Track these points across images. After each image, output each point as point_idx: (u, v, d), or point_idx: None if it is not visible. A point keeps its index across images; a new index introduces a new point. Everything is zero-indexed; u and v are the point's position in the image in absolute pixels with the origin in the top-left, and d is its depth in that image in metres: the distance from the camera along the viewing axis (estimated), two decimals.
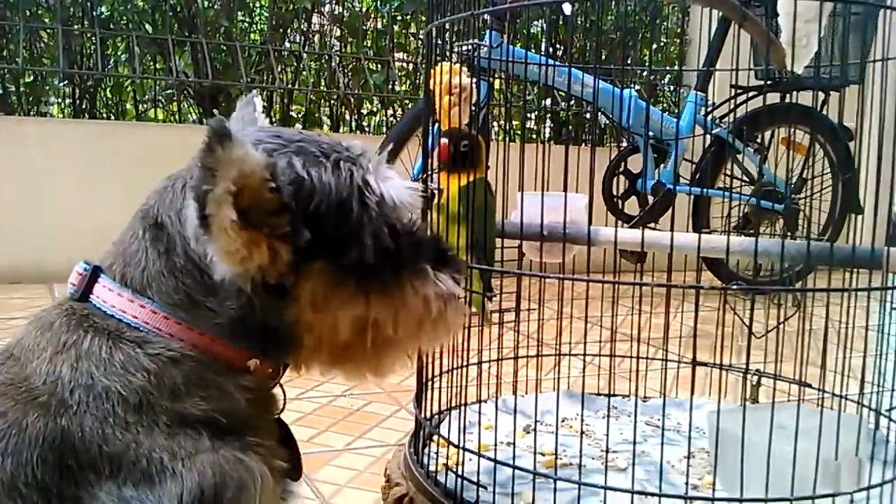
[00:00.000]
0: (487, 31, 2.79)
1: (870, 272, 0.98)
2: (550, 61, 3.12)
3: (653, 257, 1.61)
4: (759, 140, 3.52)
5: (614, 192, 3.38)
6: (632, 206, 3.39)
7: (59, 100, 4.10)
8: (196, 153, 0.63)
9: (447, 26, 0.98)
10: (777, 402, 0.84)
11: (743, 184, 3.46)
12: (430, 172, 1.11)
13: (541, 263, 1.07)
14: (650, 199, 3.33)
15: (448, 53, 1.06)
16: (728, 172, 3.45)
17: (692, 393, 1.02)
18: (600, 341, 1.27)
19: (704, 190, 3.30)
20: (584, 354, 1.27)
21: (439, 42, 1.03)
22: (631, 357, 1.29)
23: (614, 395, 1.33)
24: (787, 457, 0.78)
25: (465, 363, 1.15)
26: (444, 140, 1.03)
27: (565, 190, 1.06)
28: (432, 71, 1.06)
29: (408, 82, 4.51)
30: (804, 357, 1.08)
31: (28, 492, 0.63)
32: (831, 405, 1.04)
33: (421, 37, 4.30)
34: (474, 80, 2.64)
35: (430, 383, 1.12)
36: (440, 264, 0.78)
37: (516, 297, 1.10)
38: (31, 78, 3.89)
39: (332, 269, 0.71)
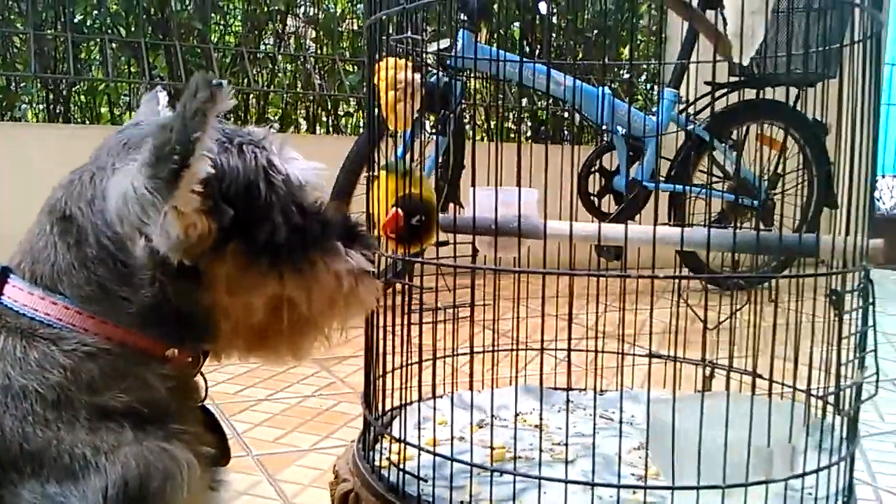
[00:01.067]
0: (460, 30, 2.80)
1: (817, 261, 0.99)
2: (528, 63, 3.12)
3: (634, 252, 1.61)
4: (733, 136, 3.53)
5: (590, 190, 3.38)
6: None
7: (33, 104, 4.08)
8: (186, 100, 0.65)
9: (386, 19, 0.98)
10: (719, 392, 0.84)
11: (718, 180, 3.48)
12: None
13: (495, 258, 1.07)
14: (626, 196, 3.34)
15: (393, 47, 1.06)
16: (703, 169, 3.46)
17: (648, 385, 1.03)
18: (556, 337, 1.26)
19: (680, 187, 3.31)
20: (542, 349, 1.26)
21: (381, 37, 1.02)
22: (587, 351, 1.30)
23: (571, 390, 1.33)
24: (720, 444, 0.79)
25: (419, 359, 1.15)
26: (400, 212, 1.01)
27: (519, 184, 1.06)
28: (376, 66, 1.06)
29: None
30: (757, 349, 1.08)
31: None
32: (781, 395, 1.04)
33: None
34: (445, 79, 2.65)
35: (379, 381, 1.11)
36: (350, 241, 0.80)
37: (470, 291, 1.10)
38: (4, 83, 3.86)
39: (244, 249, 0.72)
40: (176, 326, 0.73)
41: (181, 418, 0.73)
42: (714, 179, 3.46)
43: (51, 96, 3.98)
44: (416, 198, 1.02)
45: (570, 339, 1.07)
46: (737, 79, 3.30)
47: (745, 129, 3.43)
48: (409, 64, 1.06)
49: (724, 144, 3.41)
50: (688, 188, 3.29)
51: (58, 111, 3.98)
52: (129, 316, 0.71)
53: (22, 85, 3.94)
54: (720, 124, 3.40)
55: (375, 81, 1.06)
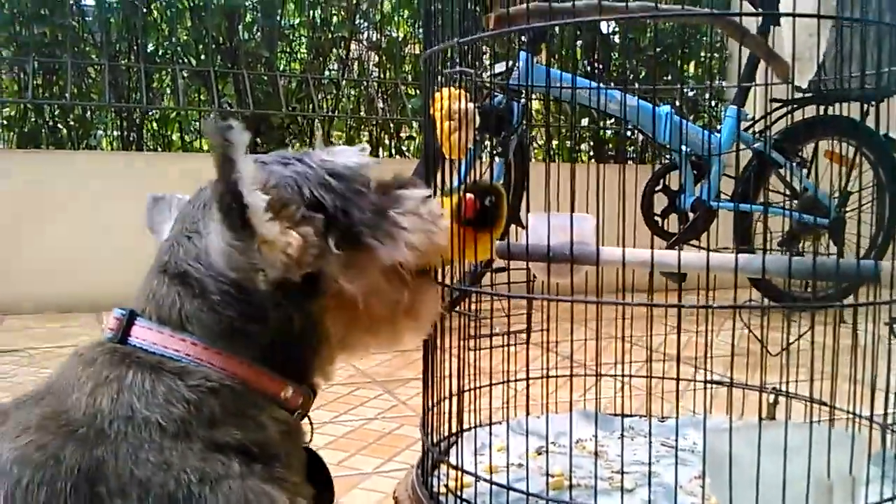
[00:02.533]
0: (520, 52, 2.81)
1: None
2: (583, 81, 3.11)
3: (697, 277, 1.60)
4: (801, 154, 3.46)
5: (654, 210, 3.35)
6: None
7: (108, 132, 4.23)
8: (213, 151, 0.69)
9: (441, 52, 1.00)
10: (779, 421, 0.83)
11: (786, 199, 3.40)
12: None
13: (548, 285, 1.07)
14: (690, 216, 3.29)
15: (449, 78, 1.07)
16: (770, 187, 3.40)
17: (705, 411, 1.01)
18: (615, 361, 1.26)
19: (745, 206, 3.25)
20: (597, 374, 1.26)
21: (437, 69, 1.04)
22: (647, 377, 1.29)
23: (629, 416, 1.32)
24: (779, 475, 0.77)
25: (477, 385, 1.16)
26: (470, 196, 1.04)
27: (571, 207, 1.06)
28: (434, 97, 1.07)
29: None
30: (819, 374, 1.06)
31: None
32: (847, 423, 1.02)
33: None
34: (505, 102, 2.67)
35: (435, 408, 1.12)
36: (403, 186, 0.87)
37: (526, 317, 1.10)
38: (80, 112, 4.02)
39: (345, 237, 0.78)
40: (294, 357, 0.79)
41: (287, 464, 0.76)
42: (782, 198, 3.39)
43: (124, 124, 4.12)
44: (486, 185, 1.03)
45: (622, 363, 1.06)
46: (804, 95, 3.24)
47: (813, 146, 3.36)
48: (465, 94, 1.07)
49: (791, 162, 3.34)
50: (754, 207, 3.24)
51: (131, 139, 4.12)
52: (254, 350, 0.76)
53: (97, 114, 4.09)
54: (788, 142, 3.34)
55: (432, 112, 1.08)
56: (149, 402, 0.70)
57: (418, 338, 0.91)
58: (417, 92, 4.37)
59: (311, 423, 0.84)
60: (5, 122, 3.98)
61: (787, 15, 0.91)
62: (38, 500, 0.64)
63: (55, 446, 0.67)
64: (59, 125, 4.00)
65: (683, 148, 3.21)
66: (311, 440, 0.84)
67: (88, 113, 4.05)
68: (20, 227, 3.43)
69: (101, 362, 0.73)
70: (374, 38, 4.47)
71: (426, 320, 0.88)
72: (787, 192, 3.39)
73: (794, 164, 3.35)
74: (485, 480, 0.99)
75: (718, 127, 3.59)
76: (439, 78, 1.06)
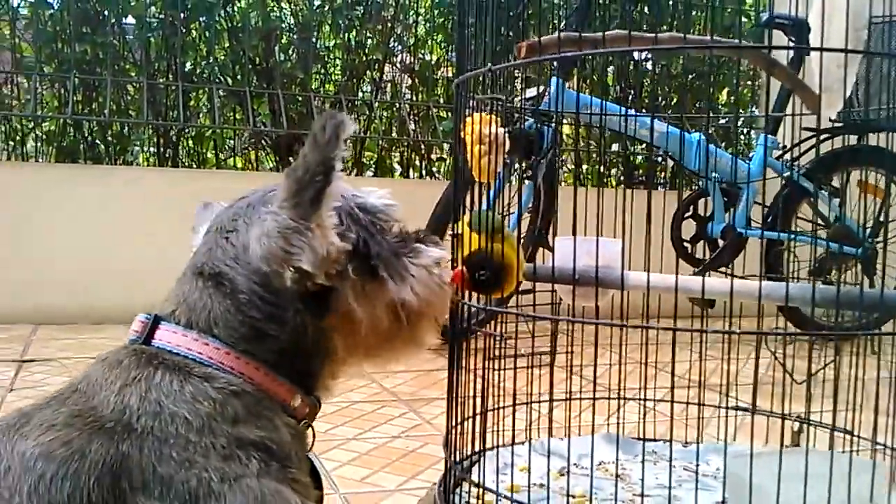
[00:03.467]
0: (551, 78, 2.84)
1: None
2: (613, 107, 3.13)
3: (723, 304, 1.60)
4: (833, 183, 3.45)
5: (683, 237, 3.34)
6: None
7: (144, 149, 4.31)
8: (317, 130, 0.78)
9: (473, 78, 1.02)
10: (800, 448, 0.83)
11: (818, 228, 3.38)
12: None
13: (573, 308, 1.08)
14: (720, 243, 3.29)
15: (480, 104, 1.10)
16: (802, 216, 3.38)
17: (726, 437, 1.02)
18: (640, 386, 1.26)
19: (776, 234, 3.24)
20: (620, 398, 1.27)
21: (468, 94, 1.06)
22: (671, 401, 1.29)
23: (652, 440, 1.32)
24: (801, 502, 0.78)
25: (500, 405, 1.17)
26: (458, 270, 1.08)
27: (598, 231, 1.08)
28: (465, 122, 1.10)
29: None
30: (844, 404, 1.06)
31: None
32: (871, 452, 1.02)
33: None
34: (536, 126, 2.69)
35: (459, 427, 1.14)
36: (422, 241, 0.93)
37: (551, 339, 1.12)
38: (118, 128, 4.10)
39: (363, 267, 0.85)
40: (304, 366, 0.84)
41: (299, 466, 0.80)
42: (813, 227, 3.37)
43: (161, 141, 4.20)
44: (486, 254, 1.05)
45: (645, 388, 1.07)
46: (835, 125, 3.23)
47: (846, 175, 3.34)
48: (495, 119, 1.10)
49: (823, 191, 3.33)
50: (783, 235, 3.22)
51: (167, 155, 4.20)
52: (272, 355, 0.81)
53: (135, 131, 4.17)
54: (820, 170, 3.33)
55: (463, 136, 1.10)
56: (177, 400, 0.73)
57: (412, 358, 0.97)
58: (448, 114, 4.41)
59: (314, 433, 0.89)
60: (45, 137, 4.07)
61: (816, 49, 0.92)
62: (62, 494, 0.66)
63: (81, 442, 0.69)
64: (98, 141, 4.08)
65: (714, 175, 3.21)
66: (312, 448, 0.89)
67: (126, 129, 4.14)
68: (56, 240, 3.50)
69: (127, 363, 0.76)
70: (408, 62, 4.52)
71: (420, 348, 0.94)
72: (819, 222, 3.37)
73: (826, 193, 3.33)
74: (506, 499, 1.00)
75: (750, 154, 3.59)
76: (471, 103, 1.08)
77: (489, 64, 0.98)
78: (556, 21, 2.42)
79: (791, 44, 2.90)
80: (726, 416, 1.06)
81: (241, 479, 0.71)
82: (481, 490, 1.05)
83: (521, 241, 1.37)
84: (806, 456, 0.77)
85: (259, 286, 0.80)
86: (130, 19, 4.07)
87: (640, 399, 1.34)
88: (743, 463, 0.88)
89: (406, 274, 0.87)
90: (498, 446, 1.13)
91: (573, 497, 1.09)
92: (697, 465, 0.99)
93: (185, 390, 0.74)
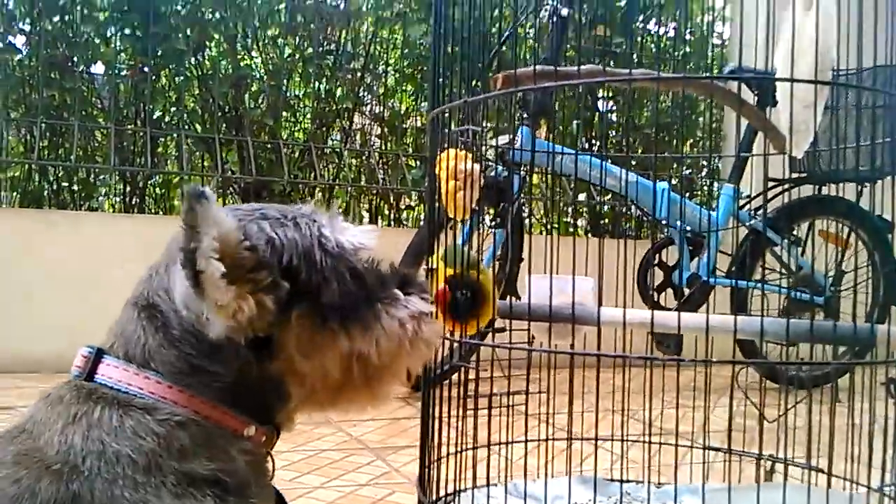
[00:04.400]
0: (519, 127, 2.88)
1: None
2: (584, 156, 3.18)
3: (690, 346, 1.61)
4: (795, 233, 3.51)
5: (650, 285, 3.37)
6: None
7: (110, 195, 4.27)
8: (181, 216, 0.71)
9: (449, 112, 1.03)
10: (775, 483, 0.83)
11: (781, 276, 3.43)
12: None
13: (549, 343, 1.08)
14: (686, 291, 3.32)
15: (455, 139, 1.10)
16: (764, 265, 3.43)
17: (703, 478, 1.01)
18: (612, 426, 1.26)
19: (742, 282, 3.28)
20: (595, 439, 1.26)
21: (443, 129, 1.07)
22: (643, 442, 1.29)
23: (627, 482, 1.31)
24: None
25: (473, 445, 1.16)
26: (442, 287, 1.06)
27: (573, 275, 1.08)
28: (438, 157, 1.10)
29: None
30: (816, 443, 1.06)
31: None
32: (844, 488, 1.02)
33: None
34: (505, 173, 2.71)
35: (432, 466, 1.12)
36: (407, 287, 0.86)
37: (525, 378, 1.11)
38: (85, 174, 4.06)
39: (310, 314, 0.78)
40: (255, 401, 0.79)
41: (259, 495, 0.77)
42: (777, 275, 3.42)
43: (127, 188, 4.16)
44: (467, 278, 1.05)
45: (622, 429, 1.07)
46: (799, 175, 3.30)
47: (807, 224, 3.41)
48: (469, 155, 1.10)
49: (786, 240, 3.38)
50: (749, 284, 3.26)
51: (133, 202, 4.16)
52: (216, 391, 0.77)
53: (101, 177, 4.14)
54: (782, 220, 3.39)
55: (437, 171, 1.11)
56: (118, 437, 0.71)
57: (380, 406, 0.90)
58: (417, 163, 4.43)
59: (273, 462, 0.85)
60: (10, 182, 4.02)
61: (785, 80, 0.94)
62: None
63: (30, 481, 0.68)
64: (63, 186, 4.04)
65: (680, 224, 3.25)
66: (272, 477, 0.85)
67: (93, 175, 4.10)
68: (18, 286, 3.43)
69: (68, 400, 0.75)
70: (377, 111, 4.56)
71: (381, 403, 0.88)
72: (783, 270, 3.42)
73: (789, 242, 3.39)
74: None
75: (714, 204, 3.64)
76: (447, 135, 1.09)
77: (465, 97, 0.99)
78: (531, 55, 2.46)
79: (753, 95, 2.97)
80: (704, 458, 1.06)
81: None
82: None
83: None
84: (784, 490, 0.77)
85: (189, 324, 0.77)
86: (100, 66, 4.07)
87: (614, 439, 1.33)
88: (720, 499, 0.88)
89: (374, 325, 0.81)
90: (473, 488, 1.12)
91: None
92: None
93: (125, 426, 0.72)
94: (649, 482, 1.29)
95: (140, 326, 0.78)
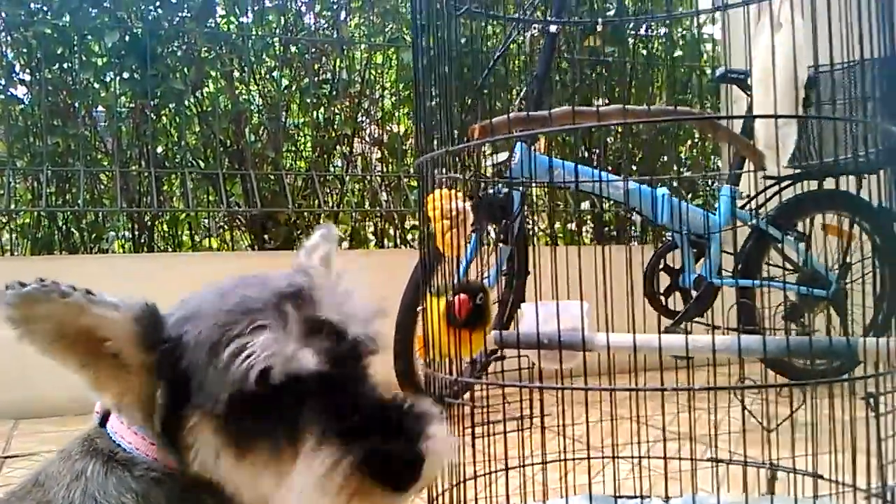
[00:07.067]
0: (516, 143, 2.91)
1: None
2: (584, 169, 3.21)
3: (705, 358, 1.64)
4: (798, 228, 3.52)
5: (656, 290, 3.39)
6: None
7: (119, 236, 4.34)
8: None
9: (436, 158, 1.08)
10: (783, 496, 0.86)
11: (787, 272, 3.45)
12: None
13: (539, 373, 1.12)
14: (693, 294, 3.34)
15: (442, 181, 1.15)
16: (771, 262, 3.45)
17: (716, 488, 1.04)
18: (616, 443, 1.28)
19: (747, 281, 3.30)
20: (603, 457, 1.29)
21: (429, 174, 1.11)
22: (643, 457, 1.32)
23: (644, 497, 1.35)
24: None
25: (486, 471, 1.19)
26: (464, 296, 1.09)
27: (570, 289, 1.12)
28: (428, 198, 1.15)
29: None
30: (810, 448, 1.09)
31: None
32: (837, 494, 1.05)
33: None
34: (505, 192, 2.75)
35: (446, 493, 1.16)
36: (419, 424, 0.71)
37: (539, 403, 1.15)
38: (93, 217, 4.13)
39: (209, 424, 0.73)
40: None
41: None
42: (783, 272, 3.43)
43: (136, 227, 4.23)
44: (476, 286, 1.08)
45: (632, 444, 1.09)
46: (795, 171, 3.32)
47: (810, 219, 3.42)
48: (458, 194, 1.14)
49: (789, 236, 3.40)
50: (755, 283, 3.28)
51: (142, 241, 4.22)
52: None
53: (109, 219, 4.21)
54: (784, 216, 3.41)
55: (428, 212, 1.15)
56: (106, 493, 0.75)
57: None
58: (417, 192, 4.47)
59: None
60: (20, 230, 4.09)
61: (763, 116, 0.98)
62: None
63: None
64: (73, 231, 4.10)
65: (682, 228, 3.28)
66: None
67: (101, 218, 4.16)
68: None
69: (74, 455, 0.80)
70: (376, 134, 4.61)
71: None
72: (788, 266, 3.44)
73: (792, 238, 3.41)
74: None
75: (715, 205, 3.67)
76: (434, 179, 1.13)
77: (445, 147, 1.03)
78: (517, 88, 2.50)
79: (746, 96, 3.00)
80: (713, 468, 1.09)
81: None
82: None
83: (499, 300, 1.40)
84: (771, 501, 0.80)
85: None
86: (101, 109, 4.14)
87: (625, 457, 1.36)
88: None
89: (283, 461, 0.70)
90: None
91: None
92: None
93: (109, 482, 0.76)
94: (644, 496, 1.32)
95: None
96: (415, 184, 4.44)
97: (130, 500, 0.75)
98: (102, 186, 4.18)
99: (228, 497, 0.76)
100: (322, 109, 4.44)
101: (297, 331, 0.71)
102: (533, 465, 1.32)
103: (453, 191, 1.16)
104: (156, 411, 0.75)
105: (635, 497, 1.39)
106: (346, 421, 0.68)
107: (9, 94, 3.94)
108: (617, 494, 1.32)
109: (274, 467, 0.70)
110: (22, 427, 3.19)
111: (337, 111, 4.50)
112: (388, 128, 4.60)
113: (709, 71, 4.82)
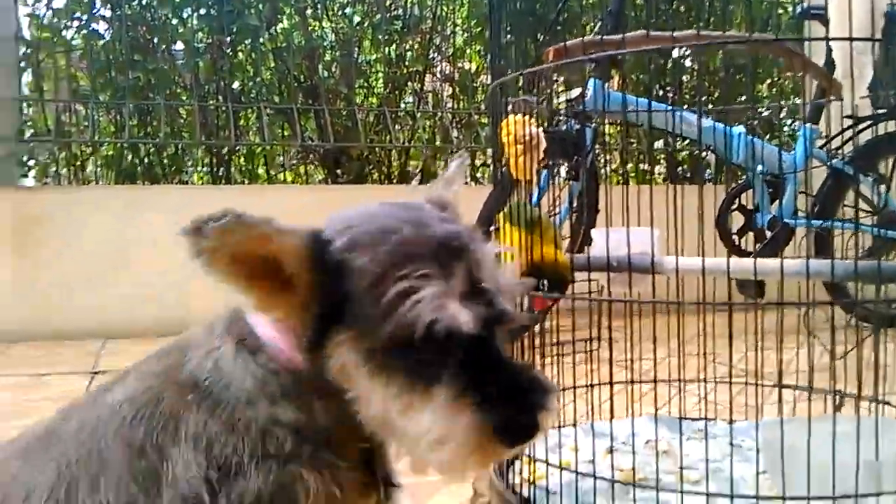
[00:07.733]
0: (589, 79, 2.89)
1: None
2: (658, 104, 3.17)
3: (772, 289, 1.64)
4: (878, 170, 3.43)
5: (730, 229, 3.36)
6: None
7: (198, 168, 4.47)
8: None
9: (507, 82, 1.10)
10: (829, 415, 0.88)
11: (866, 215, 3.37)
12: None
13: (608, 292, 1.15)
14: (767, 234, 3.30)
15: (515, 106, 1.17)
16: (849, 204, 3.37)
17: (757, 413, 1.07)
18: (697, 370, 1.31)
19: (822, 222, 3.24)
20: (670, 380, 1.32)
21: (503, 99, 1.14)
22: (707, 380, 1.34)
23: (695, 419, 1.37)
24: (830, 460, 0.83)
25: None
26: (538, 296, 1.12)
27: (642, 224, 1.14)
28: (502, 124, 1.17)
29: None
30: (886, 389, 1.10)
31: (139, 447, 0.77)
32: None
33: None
34: (576, 126, 2.75)
35: None
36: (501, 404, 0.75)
37: (608, 325, 1.18)
38: (173, 150, 4.26)
39: (358, 346, 0.77)
40: None
41: (339, 448, 0.81)
42: (861, 214, 3.36)
43: (213, 160, 4.34)
44: (539, 266, 1.12)
45: (681, 370, 1.12)
46: (877, 112, 3.22)
47: (890, 161, 3.33)
48: (531, 120, 1.17)
49: (868, 178, 3.32)
50: (832, 224, 3.22)
51: (220, 174, 4.34)
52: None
53: (188, 151, 4.33)
54: (864, 158, 3.32)
55: (501, 138, 1.18)
56: (233, 371, 0.81)
57: None
58: (490, 121, 4.48)
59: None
60: (104, 161, 4.24)
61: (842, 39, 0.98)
62: (137, 434, 0.78)
63: (158, 389, 0.81)
64: (154, 162, 4.24)
65: (757, 167, 3.22)
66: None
67: (180, 150, 4.29)
68: (118, 257, 3.65)
69: (217, 331, 0.85)
70: (448, 71, 4.61)
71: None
72: (866, 208, 3.36)
73: (871, 179, 3.32)
74: (556, 468, 1.07)
75: (793, 145, 3.59)
76: (509, 107, 1.15)
77: (520, 69, 1.05)
78: (591, 24, 2.48)
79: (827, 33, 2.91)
80: (778, 391, 1.11)
81: (269, 459, 0.77)
82: (533, 464, 1.12)
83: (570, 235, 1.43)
84: (833, 420, 0.83)
85: None
86: (179, 45, 4.23)
87: (691, 380, 1.39)
88: (776, 431, 0.93)
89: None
90: (558, 427, 1.19)
91: (620, 470, 1.15)
92: (731, 440, 1.05)
93: (237, 363, 0.81)
94: (707, 420, 1.34)
95: None
96: (485, 121, 4.44)
97: (251, 383, 0.80)
98: (182, 120, 4.29)
99: (335, 405, 0.81)
100: (394, 46, 4.45)
101: (460, 290, 0.76)
102: (601, 384, 1.36)
103: (526, 117, 1.18)
104: (307, 323, 0.79)
105: (700, 419, 1.42)
106: (484, 384, 0.74)
107: (91, 29, 4.05)
108: (682, 416, 1.35)
109: (407, 399, 0.75)
110: (109, 346, 3.36)
111: (408, 47, 4.51)
112: (459, 65, 4.59)
113: (790, 8, 4.66)
